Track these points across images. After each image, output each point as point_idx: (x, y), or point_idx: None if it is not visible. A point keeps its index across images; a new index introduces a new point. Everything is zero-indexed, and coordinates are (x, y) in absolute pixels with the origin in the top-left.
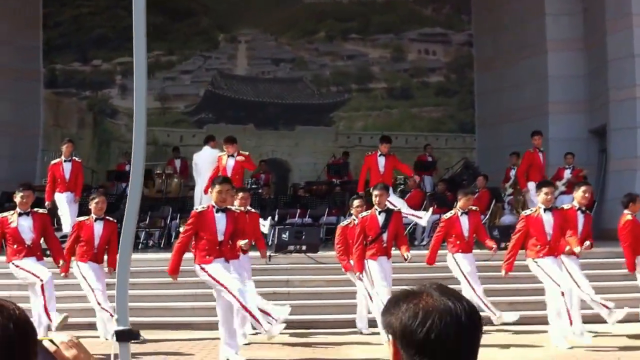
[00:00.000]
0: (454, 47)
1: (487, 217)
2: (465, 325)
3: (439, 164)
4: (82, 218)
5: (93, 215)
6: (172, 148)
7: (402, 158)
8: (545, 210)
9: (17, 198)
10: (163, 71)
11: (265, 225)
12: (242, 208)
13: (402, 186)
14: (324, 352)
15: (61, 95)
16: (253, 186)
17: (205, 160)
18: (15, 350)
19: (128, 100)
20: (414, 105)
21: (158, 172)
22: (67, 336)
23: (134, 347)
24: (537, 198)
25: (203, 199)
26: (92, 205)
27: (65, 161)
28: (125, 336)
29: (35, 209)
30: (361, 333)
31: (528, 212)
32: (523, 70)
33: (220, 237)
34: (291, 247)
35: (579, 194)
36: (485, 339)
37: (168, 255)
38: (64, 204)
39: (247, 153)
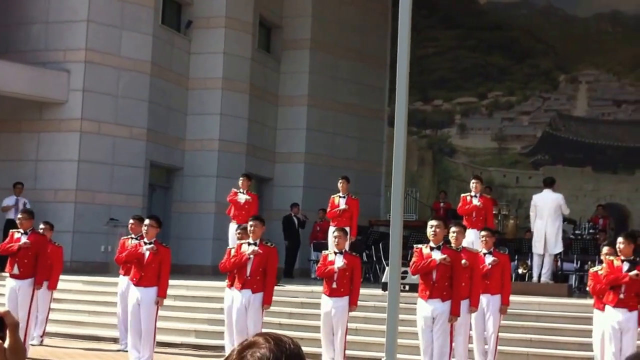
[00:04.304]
0: None
1: None
2: None
3: None
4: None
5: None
6: None
7: None
8: None
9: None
10: (502, 111)
11: None
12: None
13: None
14: None
15: None
16: (591, 231)
17: (546, 204)
18: None
19: (467, 139)
20: None
21: (494, 212)
22: None
23: None
24: None
25: (549, 242)
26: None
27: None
28: None
29: None
30: None
31: None
32: None
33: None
34: None
35: None
36: None
37: None
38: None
39: None
